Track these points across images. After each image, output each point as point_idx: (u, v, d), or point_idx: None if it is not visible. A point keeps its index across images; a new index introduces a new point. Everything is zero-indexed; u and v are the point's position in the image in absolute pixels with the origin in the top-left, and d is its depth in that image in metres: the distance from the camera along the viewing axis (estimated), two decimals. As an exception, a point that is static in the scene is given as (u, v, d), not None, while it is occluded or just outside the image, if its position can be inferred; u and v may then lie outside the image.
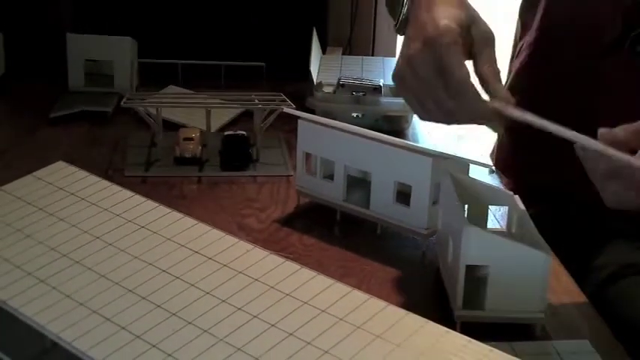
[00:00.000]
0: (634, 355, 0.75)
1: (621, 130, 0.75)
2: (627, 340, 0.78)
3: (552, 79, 1.10)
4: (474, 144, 1.28)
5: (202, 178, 1.10)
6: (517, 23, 1.21)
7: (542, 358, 0.71)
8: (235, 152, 1.12)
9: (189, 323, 0.62)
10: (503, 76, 1.21)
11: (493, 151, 1.28)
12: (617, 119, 1.03)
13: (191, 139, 1.14)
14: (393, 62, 1.44)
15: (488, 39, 0.80)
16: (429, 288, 0.84)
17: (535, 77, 1.13)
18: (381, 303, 0.63)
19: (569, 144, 1.08)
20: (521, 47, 1.16)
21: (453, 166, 0.87)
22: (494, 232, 0.73)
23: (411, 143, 0.92)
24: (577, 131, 1.02)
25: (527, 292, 0.74)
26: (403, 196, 0.90)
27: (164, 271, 0.68)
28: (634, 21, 1.02)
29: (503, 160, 1.24)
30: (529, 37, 1.13)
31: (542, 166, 1.15)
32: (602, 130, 0.77)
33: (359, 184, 0.96)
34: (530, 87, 1.14)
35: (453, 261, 0.77)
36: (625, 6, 1.01)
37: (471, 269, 0.75)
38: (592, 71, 1.05)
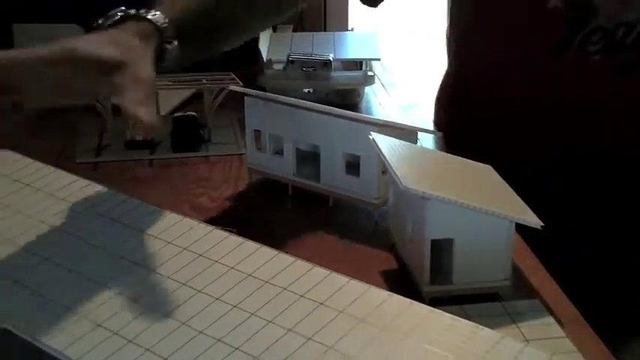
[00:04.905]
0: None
1: None
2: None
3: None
4: (427, 113, 1.27)
5: (154, 161, 1.09)
6: None
7: (493, 319, 0.71)
8: (185, 133, 1.12)
9: (134, 303, 0.61)
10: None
11: (441, 87, 1.27)
12: (572, 115, 1.04)
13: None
14: (343, 37, 1.45)
15: None
16: (384, 258, 0.84)
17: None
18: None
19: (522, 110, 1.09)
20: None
21: (402, 136, 0.87)
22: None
23: (356, 114, 0.92)
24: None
25: (492, 260, 0.73)
26: (353, 167, 0.90)
27: (109, 251, 0.68)
28: (578, 20, 1.01)
29: (446, 93, 1.24)
30: (460, 26, 1.13)
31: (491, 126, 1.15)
32: None
33: (309, 158, 0.96)
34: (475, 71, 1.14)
35: (415, 236, 0.75)
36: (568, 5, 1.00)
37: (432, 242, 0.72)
38: (542, 67, 1.05)
